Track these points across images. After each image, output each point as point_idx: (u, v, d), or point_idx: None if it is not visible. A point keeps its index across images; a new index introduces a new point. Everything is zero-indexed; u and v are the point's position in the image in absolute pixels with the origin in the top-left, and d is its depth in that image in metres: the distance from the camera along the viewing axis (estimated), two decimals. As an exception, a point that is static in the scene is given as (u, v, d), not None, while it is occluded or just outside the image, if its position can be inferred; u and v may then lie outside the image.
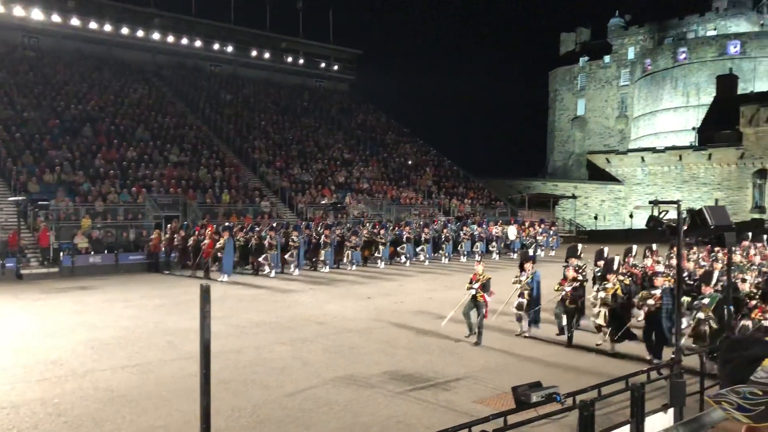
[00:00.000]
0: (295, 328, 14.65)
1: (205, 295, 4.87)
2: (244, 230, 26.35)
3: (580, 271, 14.65)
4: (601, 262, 15.50)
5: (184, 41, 50.13)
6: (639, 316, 12.69)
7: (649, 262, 17.42)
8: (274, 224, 27.50)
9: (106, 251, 26.24)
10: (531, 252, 27.19)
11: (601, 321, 12.89)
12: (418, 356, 12.25)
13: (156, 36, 48.35)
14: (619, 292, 13.10)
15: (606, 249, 16.79)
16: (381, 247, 28.32)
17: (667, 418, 7.09)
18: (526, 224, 35.87)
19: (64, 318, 15.89)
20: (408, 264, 28.87)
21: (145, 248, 26.84)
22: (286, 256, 25.51)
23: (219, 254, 23.51)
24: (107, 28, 45.92)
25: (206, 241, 24.07)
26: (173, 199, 31.30)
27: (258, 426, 8.57)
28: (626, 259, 17.55)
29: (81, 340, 13.31)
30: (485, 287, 13.23)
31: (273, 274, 24.50)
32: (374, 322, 15.57)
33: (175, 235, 25.68)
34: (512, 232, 33.80)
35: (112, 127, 36.39)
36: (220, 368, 10.55)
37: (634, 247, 19.15)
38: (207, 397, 4.89)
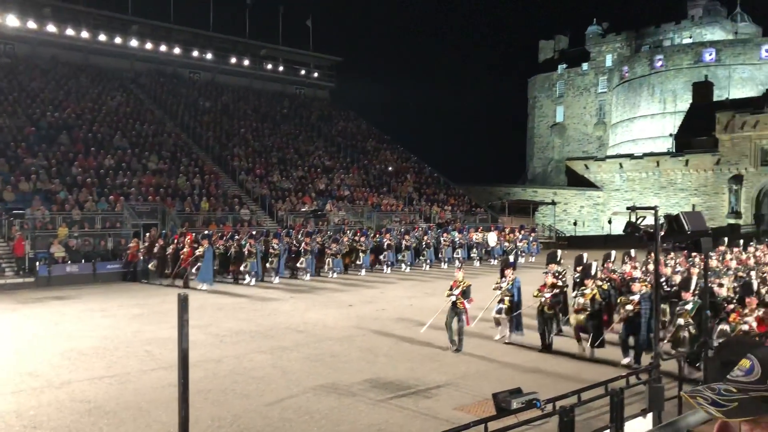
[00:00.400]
0: (276, 337, 14.56)
1: (184, 303, 4.82)
2: (224, 238, 26.19)
3: (560, 277, 14.74)
4: (580, 268, 15.63)
5: (163, 48, 49.82)
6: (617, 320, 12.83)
7: (627, 267, 17.57)
8: (254, 232, 27.35)
9: (83, 260, 25.90)
10: (512, 258, 27.33)
11: (578, 320, 12.91)
12: (400, 364, 12.23)
13: (134, 43, 47.99)
14: (597, 297, 13.19)
15: (585, 255, 16.93)
16: (362, 255, 28.27)
17: (646, 422, 7.14)
18: (507, 230, 36.05)
19: (40, 328, 15.66)
20: (389, 271, 28.85)
21: (123, 257, 26.55)
22: (267, 264, 25.39)
23: (198, 263, 23.32)
24: (84, 34, 45.47)
25: (185, 250, 23.88)
26: (152, 207, 31.02)
27: (238, 436, 8.49)
28: (605, 265, 17.70)
29: (57, 350, 13.12)
30: (465, 294, 13.25)
31: (253, 282, 24.36)
32: (355, 329, 15.52)
33: (155, 244, 25.42)
34: (492, 238, 33.94)
35: (89, 135, 36.00)
36: (199, 378, 10.45)
37: (613, 252, 19.34)
38: (186, 407, 4.84)
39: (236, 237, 26.31)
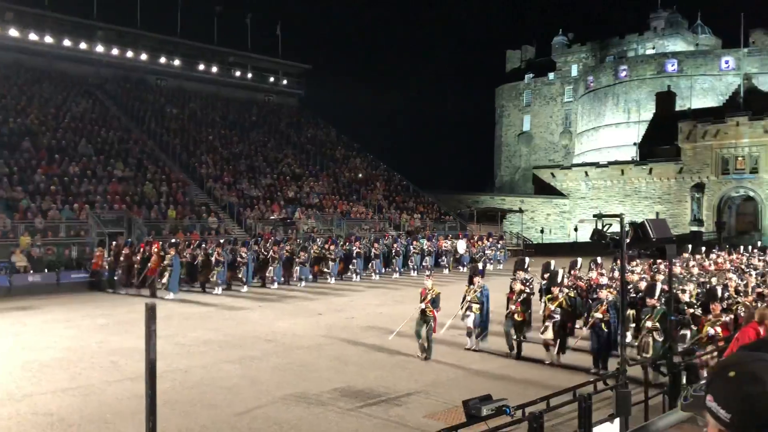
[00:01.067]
0: (244, 346, 14.41)
1: (151, 313, 4.74)
2: (191, 247, 25.88)
3: (528, 284, 14.89)
4: (548, 275, 15.80)
5: (129, 54, 49.25)
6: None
7: (593, 274, 17.81)
8: (222, 240, 27.09)
9: (46, 270, 25.34)
10: (481, 266, 27.54)
11: (549, 335, 13.04)
12: (369, 372, 12.20)
13: (99, 48, 47.36)
14: (564, 304, 13.35)
15: (552, 262, 17.11)
16: (331, 263, 28.18)
17: (613, 427, 7.22)
18: (475, 238, 36.27)
19: (0, 340, 15.27)
20: (358, 279, 28.80)
21: (87, 266, 26.04)
22: (239, 275, 25.16)
23: (166, 272, 22.98)
24: (48, 39, 44.74)
25: (153, 258, 23.52)
26: (117, 215, 30.53)
27: (206, 447, 8.37)
28: (572, 272, 17.93)
29: (19, 362, 12.80)
30: (434, 302, 13.29)
31: (220, 291, 24.10)
32: (325, 338, 15.45)
33: (121, 253, 24.96)
34: (461, 246, 34.12)
35: (53, 141, 35.35)
36: (166, 388, 10.29)
37: (579, 260, 19.59)
38: (153, 419, 4.75)
39: (203, 246, 26.01)
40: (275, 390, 10.87)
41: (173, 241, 25.41)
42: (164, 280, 22.93)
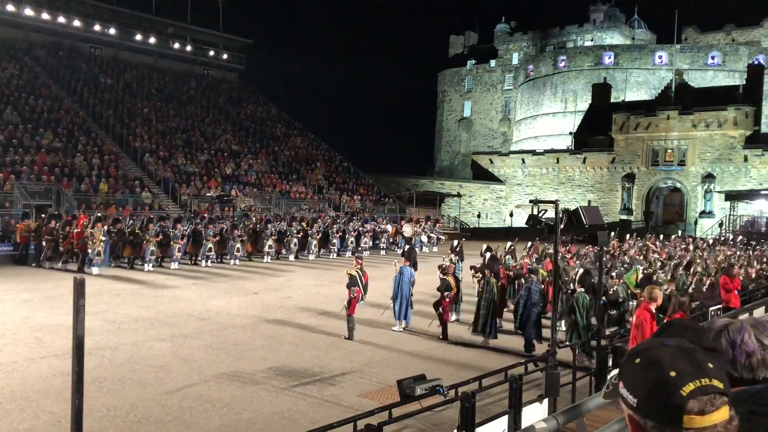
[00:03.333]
0: (177, 324, 14.14)
1: (80, 288, 4.57)
2: (121, 221, 25.13)
3: (455, 265, 15.35)
4: (483, 259, 16.15)
5: (61, 20, 47.10)
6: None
7: (524, 259, 18.24)
8: (152, 216, 26.42)
9: (-33, 241, 24.21)
10: (417, 248, 27.94)
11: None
12: (305, 352, 12.17)
13: (28, 12, 45.08)
14: (494, 288, 13.72)
15: (484, 246, 17.42)
16: (267, 242, 27.88)
17: (542, 408, 7.43)
18: (413, 221, 36.68)
19: None
20: (292, 258, 28.63)
21: (12, 239, 24.97)
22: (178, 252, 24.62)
23: (98, 247, 22.25)
24: (-28, 0, 42.39)
25: (80, 232, 22.74)
26: (45, 187, 29.34)
27: (135, 426, 8.20)
28: (504, 257, 18.34)
29: (-65, 337, 12.22)
30: (349, 284, 13.42)
31: (151, 267, 23.49)
32: (260, 317, 15.31)
33: (48, 225, 24.02)
34: (407, 229, 34.44)
35: (-24, 108, 33.65)
36: (94, 366, 10.02)
37: (508, 244, 20.14)
38: (79, 396, 4.60)
39: (133, 221, 25.31)
40: (208, 369, 10.72)
41: (98, 215, 24.56)
42: (96, 255, 22.19)
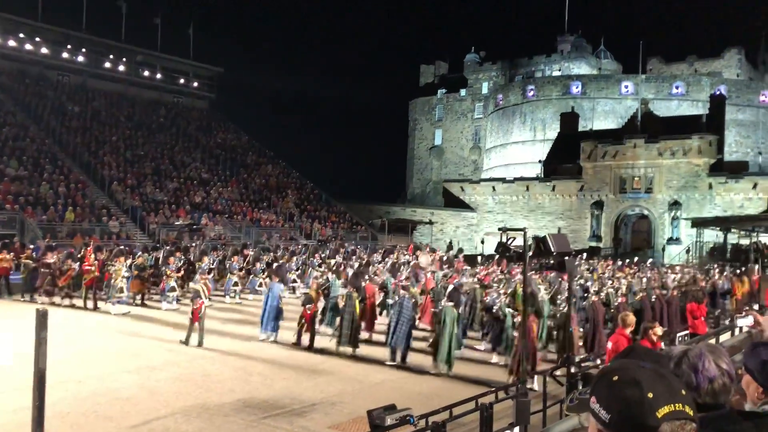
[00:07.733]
0: (144, 356, 13.86)
1: (42, 319, 4.48)
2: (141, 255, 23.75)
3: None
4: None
5: (28, 47, 46.69)
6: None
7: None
8: (172, 248, 25.54)
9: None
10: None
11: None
12: (275, 382, 12.00)
13: (-5, 39, 44.67)
14: (356, 303, 15.00)
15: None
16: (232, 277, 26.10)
17: (513, 436, 7.40)
18: (427, 250, 36.33)
19: None
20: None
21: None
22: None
23: (119, 283, 20.23)
24: (-63, 26, 41.85)
25: (88, 267, 20.96)
26: (9, 216, 28.75)
27: (98, 462, 7.97)
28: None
29: None
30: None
31: (168, 305, 21.24)
32: (230, 349, 15.07)
33: (46, 258, 21.91)
34: (424, 260, 32.06)
35: (-61, 136, 33.01)
36: (57, 399, 9.75)
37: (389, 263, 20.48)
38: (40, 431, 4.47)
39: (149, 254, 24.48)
40: (175, 401, 10.50)
41: (121, 247, 23.39)
42: (118, 293, 20.24)
